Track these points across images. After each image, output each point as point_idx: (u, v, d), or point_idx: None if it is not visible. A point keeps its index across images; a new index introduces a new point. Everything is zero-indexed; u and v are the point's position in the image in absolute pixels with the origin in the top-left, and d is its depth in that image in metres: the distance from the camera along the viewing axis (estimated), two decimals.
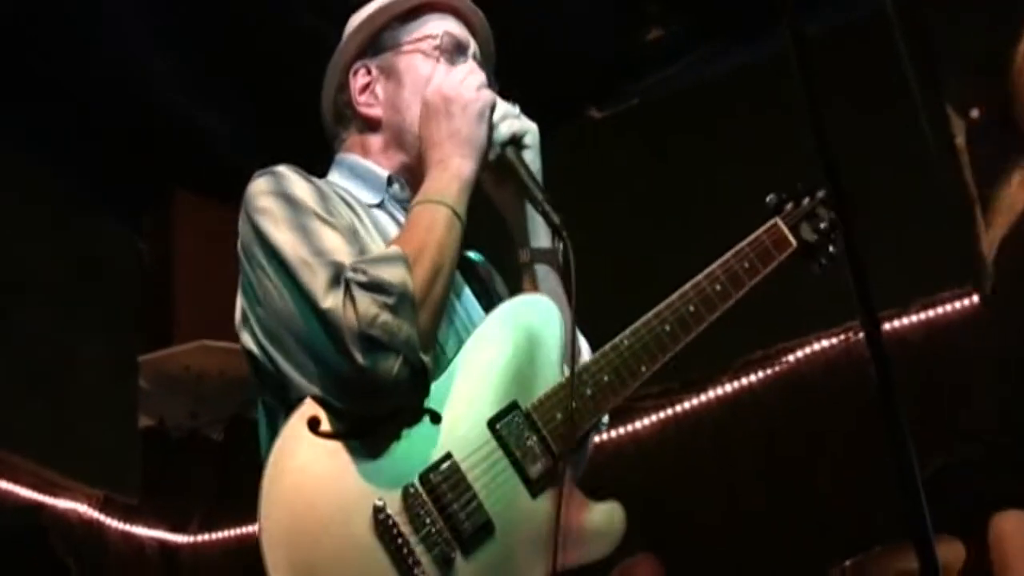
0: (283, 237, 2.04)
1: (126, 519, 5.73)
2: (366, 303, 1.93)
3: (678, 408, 5.42)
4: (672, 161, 5.59)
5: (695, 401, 5.40)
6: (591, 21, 5.33)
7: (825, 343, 5.22)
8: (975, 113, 5.05)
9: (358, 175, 2.34)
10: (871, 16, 4.80)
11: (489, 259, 2.51)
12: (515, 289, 2.37)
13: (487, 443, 2.05)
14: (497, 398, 2.10)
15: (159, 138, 5.46)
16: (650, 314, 2.26)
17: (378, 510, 1.90)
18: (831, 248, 2.55)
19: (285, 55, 4.84)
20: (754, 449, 5.18)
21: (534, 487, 2.06)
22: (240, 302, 2.16)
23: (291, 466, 1.91)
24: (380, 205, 2.31)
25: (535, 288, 2.33)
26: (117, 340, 5.50)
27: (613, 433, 5.41)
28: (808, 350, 5.25)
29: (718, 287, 2.32)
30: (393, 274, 1.97)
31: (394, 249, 2.04)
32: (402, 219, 2.25)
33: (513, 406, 2.10)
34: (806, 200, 2.56)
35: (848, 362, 5.16)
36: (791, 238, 2.48)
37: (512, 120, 2.31)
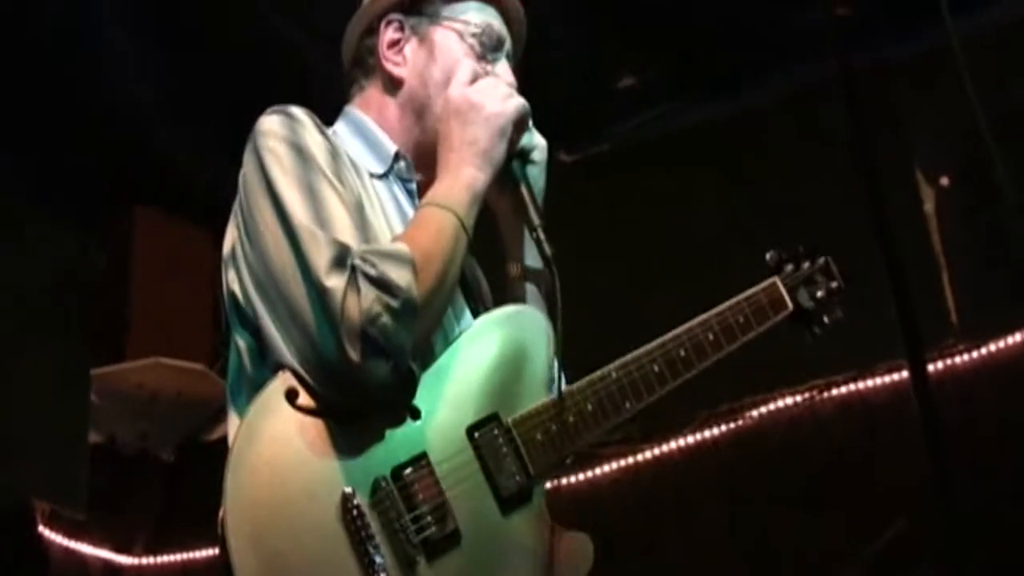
0: (290, 194, 2.00)
1: (70, 535, 5.62)
2: (371, 299, 1.89)
3: (639, 457, 5.39)
4: (639, 208, 5.59)
5: (656, 451, 5.38)
6: (564, 64, 5.32)
7: (789, 400, 5.22)
8: (944, 180, 5.08)
9: (367, 139, 2.31)
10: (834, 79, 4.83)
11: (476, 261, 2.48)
12: (499, 299, 2.35)
13: (464, 451, 2.02)
14: (479, 406, 2.07)
15: (123, 150, 5.40)
16: (641, 351, 2.26)
17: (347, 498, 1.86)
18: (826, 318, 2.62)
19: (254, 72, 4.80)
20: (713, 502, 5.15)
21: (505, 505, 2.02)
22: (232, 233, 2.13)
23: (264, 435, 1.87)
24: (382, 177, 2.27)
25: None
26: (70, 351, 5.41)
27: (572, 479, 5.38)
28: (772, 407, 5.25)
29: (711, 336, 2.35)
30: (400, 276, 1.94)
31: (402, 248, 1.99)
32: (402, 197, 2.26)
33: (494, 417, 2.07)
34: (806, 264, 2.63)
35: (811, 420, 5.16)
36: (788, 301, 2.54)
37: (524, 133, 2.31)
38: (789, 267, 2.61)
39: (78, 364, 5.43)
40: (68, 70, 4.93)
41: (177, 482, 5.97)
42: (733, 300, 2.44)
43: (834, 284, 2.66)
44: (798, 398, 5.21)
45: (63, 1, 4.63)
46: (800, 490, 4.98)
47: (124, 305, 5.59)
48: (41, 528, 5.40)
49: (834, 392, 5.14)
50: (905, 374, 4.89)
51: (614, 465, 5.39)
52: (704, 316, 2.37)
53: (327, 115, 2.35)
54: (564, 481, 5.36)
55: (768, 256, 2.60)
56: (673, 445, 5.35)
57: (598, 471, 5.39)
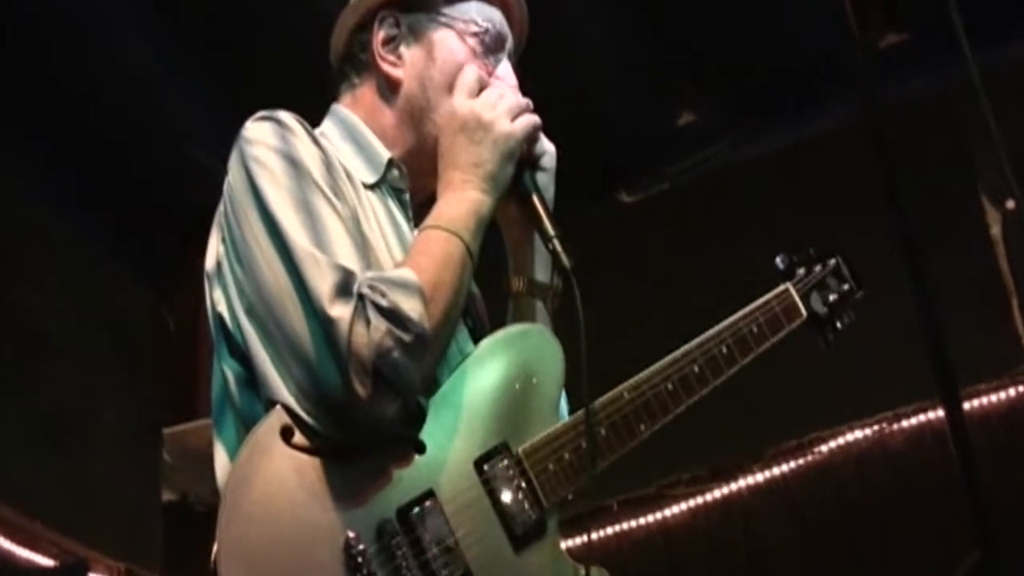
0: (284, 212, 1.87)
1: None
2: (382, 332, 1.77)
3: (708, 497, 5.35)
4: (702, 247, 5.57)
5: (726, 490, 5.33)
6: (623, 104, 5.35)
7: (859, 434, 5.16)
8: (1010, 204, 5.02)
9: (358, 143, 2.16)
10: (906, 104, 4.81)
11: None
12: (499, 317, 2.21)
13: (473, 486, 1.89)
14: (487, 436, 1.94)
15: (190, 206, 5.48)
16: (652, 369, 2.15)
17: (350, 544, 1.73)
18: (839, 324, 2.53)
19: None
20: (785, 539, 5.10)
21: (518, 542, 1.90)
22: (217, 246, 2.01)
23: (259, 478, 1.74)
24: (374, 187, 2.12)
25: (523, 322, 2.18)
26: (142, 410, 5.50)
27: (642, 520, 5.35)
28: (841, 440, 5.19)
29: (724, 350, 2.24)
30: (412, 308, 1.81)
31: (411, 276, 1.86)
32: (395, 209, 2.13)
33: (503, 447, 1.95)
34: (818, 268, 2.54)
35: (881, 454, 5.10)
36: (802, 308, 2.44)
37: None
38: (800, 271, 2.51)
39: (149, 423, 5.51)
40: (134, 126, 5.03)
41: None
42: (746, 309, 2.33)
43: (846, 287, 2.56)
44: (867, 431, 5.14)
45: (125, 54, 4.73)
46: (872, 524, 4.91)
47: (195, 363, 5.66)
48: None
49: (904, 424, 5.08)
50: (976, 403, 4.86)
51: (683, 506, 5.35)
52: (717, 328, 2.26)
53: None
54: (635, 523, 5.34)
55: (778, 260, 2.51)
56: (742, 483, 5.30)
57: (667, 512, 5.36)
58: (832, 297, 2.52)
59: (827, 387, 4.93)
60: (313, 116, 2.14)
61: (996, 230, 5.10)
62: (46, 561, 5.07)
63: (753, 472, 5.28)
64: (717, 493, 5.33)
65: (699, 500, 5.34)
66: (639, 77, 5.34)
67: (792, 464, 5.26)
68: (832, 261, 2.57)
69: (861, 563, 4.86)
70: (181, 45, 4.77)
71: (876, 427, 5.12)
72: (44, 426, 4.91)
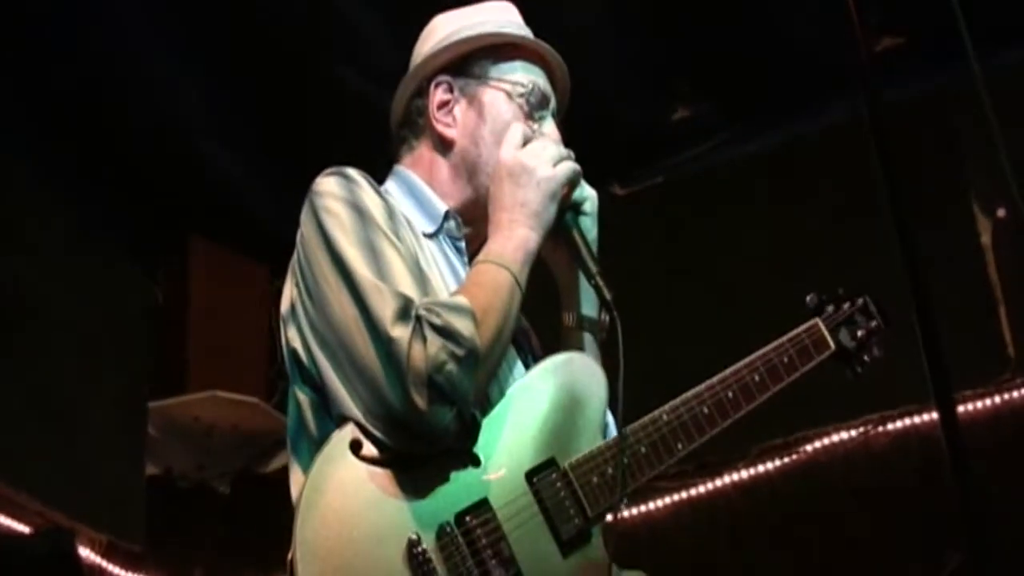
0: (351, 251, 2.09)
1: (128, 567, 5.67)
2: (437, 347, 1.98)
3: (693, 492, 5.38)
4: (692, 241, 5.58)
5: (711, 485, 5.36)
6: (618, 97, 5.35)
7: (844, 435, 5.18)
8: (1001, 212, 5.04)
9: (417, 199, 2.39)
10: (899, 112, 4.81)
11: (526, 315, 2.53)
12: (552, 349, 2.39)
13: (523, 495, 2.09)
14: (536, 452, 2.14)
15: (179, 184, 5.49)
16: (690, 393, 2.34)
17: (413, 543, 1.93)
18: (867, 357, 2.69)
19: (310, 108, 4.88)
20: (768, 537, 5.12)
21: (565, 547, 2.09)
22: (290, 291, 2.22)
23: (331, 485, 1.95)
24: (433, 236, 2.35)
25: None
26: (128, 385, 5.51)
27: (626, 513, 5.35)
28: (827, 440, 5.22)
29: (757, 377, 2.43)
30: (464, 326, 2.02)
31: (463, 301, 2.08)
32: (452, 255, 2.34)
33: (551, 462, 2.14)
34: (846, 305, 2.70)
35: (866, 455, 5.12)
36: (830, 341, 2.62)
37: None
38: (830, 308, 2.68)
39: (136, 397, 5.52)
40: (126, 104, 5.03)
41: (233, 514, 6.01)
42: (777, 342, 2.52)
43: (874, 323, 2.73)
44: (852, 432, 5.17)
45: (118, 31, 4.73)
46: (855, 524, 4.93)
47: (183, 339, 5.68)
48: (99, 559, 5.45)
49: (889, 427, 5.10)
50: (962, 409, 4.88)
51: (668, 500, 5.37)
52: (750, 358, 2.45)
53: (385, 158, 2.45)
54: (619, 515, 5.35)
55: (808, 299, 2.68)
56: (727, 479, 5.33)
57: (652, 505, 5.38)
58: (860, 333, 2.69)
59: (814, 387, 4.93)
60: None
61: (986, 238, 5.11)
62: (30, 531, 5.08)
63: (738, 469, 5.31)
64: (702, 488, 5.37)
65: (684, 495, 5.37)
66: (635, 72, 5.34)
67: (777, 462, 5.29)
68: (860, 300, 2.74)
69: (845, 563, 4.88)
70: (178, 24, 4.77)
71: (861, 428, 5.14)
72: (31, 399, 4.91)
